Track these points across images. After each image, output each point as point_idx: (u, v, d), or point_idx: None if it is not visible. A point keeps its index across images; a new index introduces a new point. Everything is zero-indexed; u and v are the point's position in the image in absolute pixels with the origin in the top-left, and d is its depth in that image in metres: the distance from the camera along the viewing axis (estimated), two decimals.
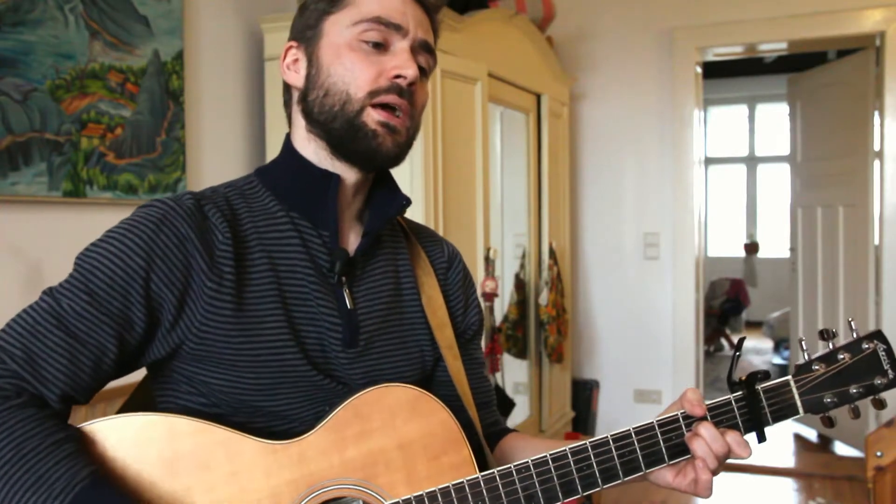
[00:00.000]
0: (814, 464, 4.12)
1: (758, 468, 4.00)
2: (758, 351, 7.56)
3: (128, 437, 0.85)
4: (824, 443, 4.44)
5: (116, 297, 0.85)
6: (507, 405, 3.04)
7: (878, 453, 1.59)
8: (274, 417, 0.92)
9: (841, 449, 4.30)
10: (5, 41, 1.87)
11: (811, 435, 4.57)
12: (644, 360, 4.11)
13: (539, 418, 3.56)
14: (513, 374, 3.48)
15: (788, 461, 4.22)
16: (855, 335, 1.00)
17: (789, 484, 3.86)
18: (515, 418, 3.28)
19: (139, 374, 1.02)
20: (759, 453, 4.20)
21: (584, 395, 4.11)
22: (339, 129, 0.94)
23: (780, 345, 7.00)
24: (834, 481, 3.83)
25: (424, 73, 0.99)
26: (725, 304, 7.59)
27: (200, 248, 0.88)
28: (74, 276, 0.86)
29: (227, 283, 0.89)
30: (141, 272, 0.86)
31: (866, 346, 0.99)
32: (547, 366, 3.58)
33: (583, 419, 4.08)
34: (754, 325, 8.15)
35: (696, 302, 4.11)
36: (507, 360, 3.36)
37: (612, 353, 4.18)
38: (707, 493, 0.93)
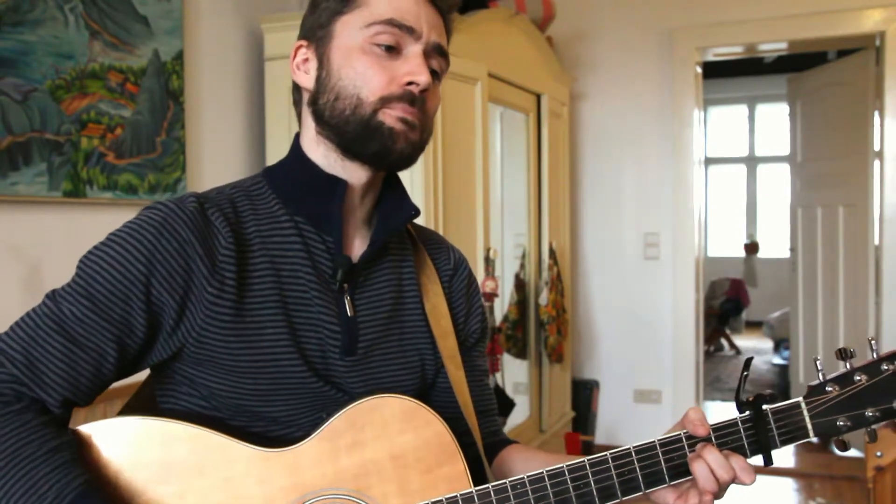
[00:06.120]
0: (814, 464, 4.12)
1: (758, 468, 3.99)
2: (758, 351, 7.56)
3: (122, 441, 0.85)
4: (824, 443, 4.44)
5: (117, 304, 0.85)
6: (507, 405, 3.04)
7: (878, 453, 1.59)
8: (272, 422, 0.92)
9: None
10: (5, 41, 1.87)
11: None
12: (644, 360, 4.11)
13: (539, 418, 3.56)
14: (513, 374, 3.48)
15: (788, 461, 4.21)
16: (875, 355, 0.95)
17: (789, 484, 3.86)
18: (515, 418, 3.28)
19: (141, 375, 1.02)
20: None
21: (584, 395, 4.11)
22: (353, 133, 0.91)
23: (780, 345, 7.00)
24: (834, 481, 3.83)
25: (437, 76, 0.96)
26: (725, 304, 7.59)
27: (202, 253, 0.87)
28: (76, 281, 0.86)
29: (229, 288, 0.88)
30: (142, 278, 0.85)
31: (886, 367, 0.94)
32: (547, 366, 3.57)
33: (583, 419, 4.08)
34: (754, 325, 8.15)
35: (696, 302, 4.11)
36: (507, 360, 3.36)
37: (612, 353, 4.18)
38: None
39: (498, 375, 3.05)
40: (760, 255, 8.64)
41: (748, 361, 0.95)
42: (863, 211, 3.99)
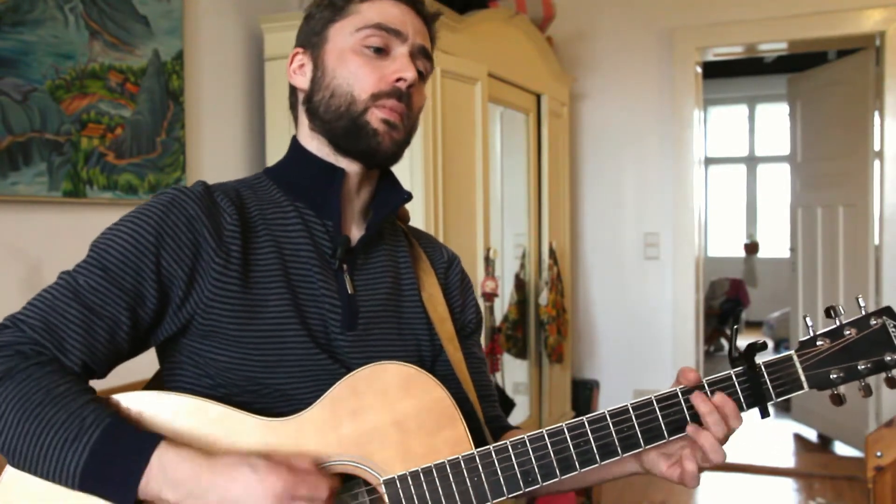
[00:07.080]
0: (814, 464, 4.12)
1: (758, 468, 4.00)
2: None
3: (130, 414, 0.87)
4: (824, 443, 4.44)
5: (129, 273, 0.90)
6: (507, 405, 3.04)
7: (878, 453, 1.59)
8: (278, 397, 0.95)
9: (841, 449, 4.30)
10: (5, 41, 1.87)
11: (811, 435, 4.57)
12: (644, 360, 4.11)
13: (539, 418, 3.56)
14: (513, 374, 3.48)
15: (788, 461, 4.22)
16: (863, 312, 0.98)
17: (789, 484, 3.86)
18: (515, 418, 3.28)
19: (153, 369, 1.05)
20: (760, 453, 4.21)
21: (584, 395, 4.11)
22: (342, 128, 0.99)
23: (780, 345, 7.00)
24: (834, 481, 3.83)
25: (422, 76, 1.05)
26: (725, 304, 7.58)
27: (209, 227, 0.93)
28: (91, 256, 0.91)
29: (234, 261, 0.94)
30: (152, 248, 0.91)
31: (875, 321, 0.97)
32: (547, 366, 3.57)
33: None
34: (754, 325, 8.15)
35: (696, 302, 4.11)
36: (507, 360, 3.36)
37: (612, 353, 4.18)
38: (692, 482, 0.94)
39: (498, 375, 3.05)
40: (760, 255, 8.63)
41: (737, 314, 0.97)
42: (863, 211, 3.99)
